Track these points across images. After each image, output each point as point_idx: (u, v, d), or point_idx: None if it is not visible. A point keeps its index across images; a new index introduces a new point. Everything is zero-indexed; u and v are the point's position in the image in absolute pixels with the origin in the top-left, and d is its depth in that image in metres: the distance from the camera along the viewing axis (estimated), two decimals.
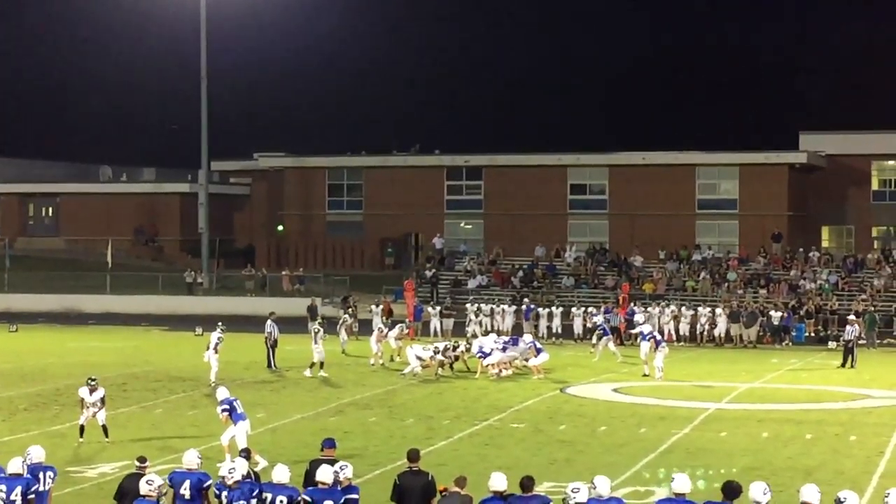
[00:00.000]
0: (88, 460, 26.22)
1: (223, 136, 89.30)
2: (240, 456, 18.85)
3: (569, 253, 71.24)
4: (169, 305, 70.10)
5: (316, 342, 41.59)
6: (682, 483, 15.99)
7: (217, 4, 76.65)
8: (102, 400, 28.44)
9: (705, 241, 73.88)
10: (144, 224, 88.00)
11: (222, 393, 26.39)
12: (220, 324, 41.68)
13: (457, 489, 17.06)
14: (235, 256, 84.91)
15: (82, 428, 28.28)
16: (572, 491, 15.99)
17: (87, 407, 28.26)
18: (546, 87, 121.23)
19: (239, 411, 25.70)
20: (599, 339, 47.82)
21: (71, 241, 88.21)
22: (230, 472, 17.30)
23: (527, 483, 16.49)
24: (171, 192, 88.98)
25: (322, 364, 41.39)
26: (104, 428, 28.18)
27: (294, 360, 45.31)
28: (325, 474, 17.13)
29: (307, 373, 41.06)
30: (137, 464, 18.38)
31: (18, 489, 17.15)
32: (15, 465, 17.46)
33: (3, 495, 17.13)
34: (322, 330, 42.77)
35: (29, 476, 17.54)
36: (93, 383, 28.46)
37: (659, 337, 43.17)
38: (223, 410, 25.78)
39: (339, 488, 17.04)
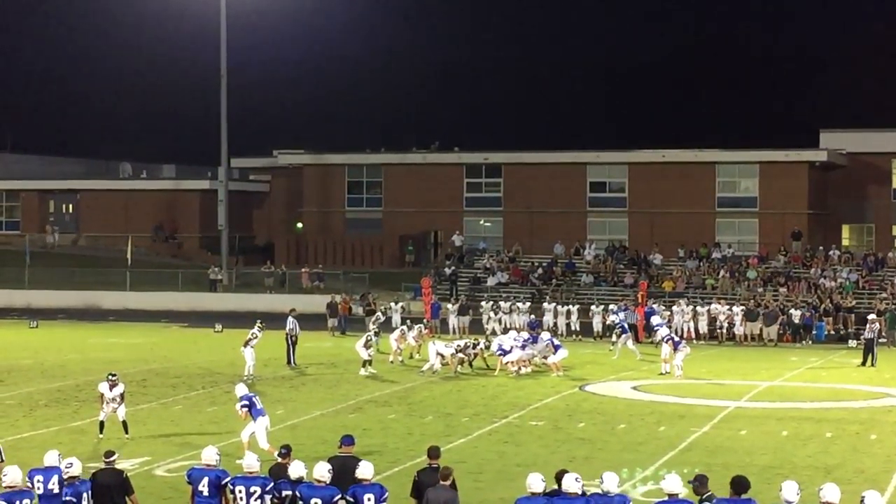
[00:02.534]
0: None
1: (243, 134, 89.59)
2: (280, 452, 18.86)
3: (588, 250, 71.19)
4: (188, 302, 70.27)
5: (368, 346, 41.38)
6: (673, 483, 15.98)
7: (237, 2, 76.78)
8: (122, 396, 28.50)
9: (725, 239, 73.78)
10: (164, 221, 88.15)
11: (241, 389, 26.45)
12: (259, 321, 41.74)
13: (445, 483, 16.97)
14: (255, 253, 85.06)
15: (102, 424, 28.33)
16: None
17: (107, 402, 28.32)
18: (566, 84, 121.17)
19: (258, 407, 25.74)
20: (619, 336, 47.79)
21: (91, 237, 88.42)
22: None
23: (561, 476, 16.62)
24: (190, 189, 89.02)
25: (369, 362, 41.27)
26: (124, 424, 28.24)
27: (313, 357, 45.43)
28: (320, 471, 17.17)
29: (363, 372, 40.87)
30: (105, 459, 18.52)
31: (55, 478, 17.63)
32: (51, 458, 17.93)
33: (41, 486, 17.53)
34: (374, 336, 42.83)
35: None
36: (113, 379, 28.52)
37: (677, 339, 43.13)
38: (242, 406, 25.82)
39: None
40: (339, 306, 57.94)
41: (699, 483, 16.15)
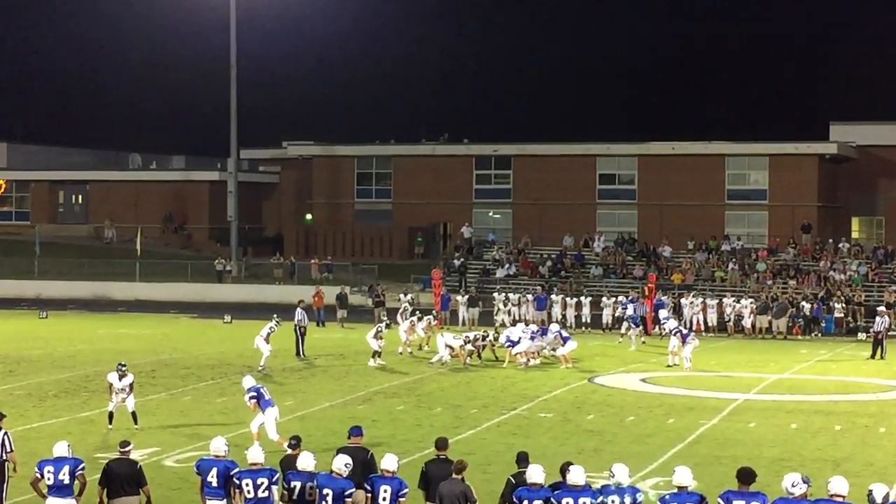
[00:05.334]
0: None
1: (252, 125, 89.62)
2: (290, 443, 18.88)
3: (597, 242, 71.15)
4: (197, 293, 70.35)
5: (378, 337, 41.23)
6: (683, 476, 15.98)
7: None
8: (131, 386, 28.50)
9: (734, 232, 73.68)
10: (174, 212, 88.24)
11: (249, 381, 26.46)
12: (275, 315, 41.57)
13: (457, 477, 16.97)
14: (264, 244, 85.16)
15: (111, 414, 28.37)
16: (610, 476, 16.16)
17: (116, 393, 28.33)
18: (576, 76, 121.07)
19: (267, 398, 25.76)
20: (629, 329, 47.79)
21: (100, 228, 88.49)
22: None
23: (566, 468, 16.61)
24: (200, 179, 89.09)
25: (379, 354, 41.22)
26: (133, 414, 28.27)
27: (322, 349, 45.45)
28: (338, 464, 17.16)
29: (372, 363, 40.77)
30: (121, 449, 18.57)
31: (66, 468, 17.85)
32: (60, 448, 18.10)
33: (52, 476, 17.75)
34: (384, 327, 42.64)
35: (77, 456, 18.31)
36: (123, 369, 28.52)
37: (685, 331, 43.11)
38: (251, 398, 25.86)
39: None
40: (313, 300, 57.00)
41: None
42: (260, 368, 38.24)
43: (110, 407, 28.46)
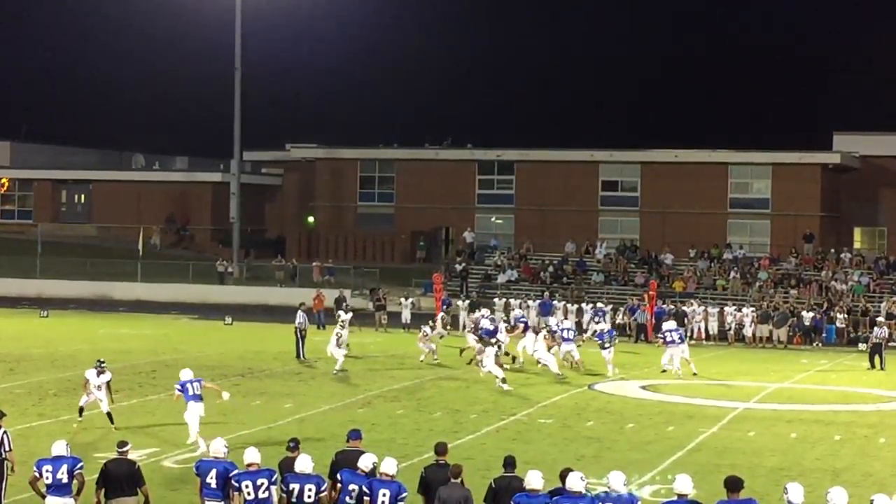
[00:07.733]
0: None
1: (256, 126, 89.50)
2: (289, 446, 18.86)
3: (599, 249, 71.13)
4: (199, 294, 70.31)
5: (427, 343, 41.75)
6: (683, 484, 15.99)
7: None
8: (108, 384, 28.54)
9: (736, 240, 73.68)
10: (176, 213, 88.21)
11: (186, 374, 26.77)
12: (340, 313, 42.28)
13: (456, 481, 16.98)
14: (266, 246, 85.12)
15: (81, 409, 28.59)
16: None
17: (91, 391, 28.33)
18: (579, 82, 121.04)
19: (191, 393, 26.17)
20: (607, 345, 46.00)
21: (103, 228, 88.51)
22: None
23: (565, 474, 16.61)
24: (203, 181, 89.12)
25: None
26: (109, 415, 28.20)
27: (322, 352, 45.35)
28: (365, 462, 17.30)
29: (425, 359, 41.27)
30: (118, 449, 18.57)
31: (65, 467, 17.93)
32: (59, 448, 18.17)
33: (50, 475, 17.84)
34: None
35: (75, 455, 18.38)
36: (101, 366, 28.51)
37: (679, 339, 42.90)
38: (177, 390, 26.45)
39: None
40: (314, 303, 56.48)
41: None
42: (334, 372, 38.96)
43: (81, 402, 28.57)
